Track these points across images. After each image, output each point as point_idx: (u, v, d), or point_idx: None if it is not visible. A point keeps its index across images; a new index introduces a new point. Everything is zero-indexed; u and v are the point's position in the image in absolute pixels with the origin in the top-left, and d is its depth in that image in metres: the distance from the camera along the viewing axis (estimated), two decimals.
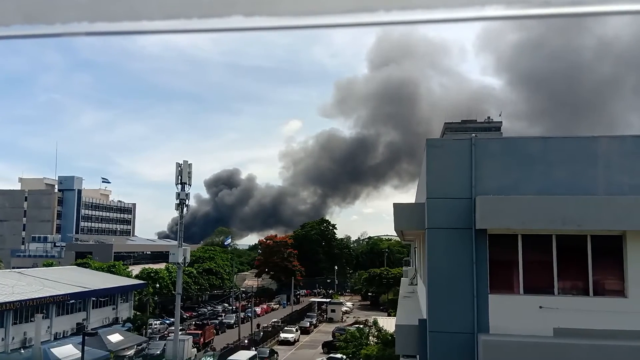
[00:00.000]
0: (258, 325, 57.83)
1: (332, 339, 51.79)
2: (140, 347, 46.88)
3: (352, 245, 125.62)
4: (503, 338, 11.28)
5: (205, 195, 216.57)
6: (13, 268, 66.75)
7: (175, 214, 38.37)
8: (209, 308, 78.26)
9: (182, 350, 42.76)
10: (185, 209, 37.16)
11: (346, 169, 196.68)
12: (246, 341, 50.55)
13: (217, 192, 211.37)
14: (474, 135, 12.63)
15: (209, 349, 47.94)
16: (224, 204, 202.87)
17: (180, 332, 42.70)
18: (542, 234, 11.68)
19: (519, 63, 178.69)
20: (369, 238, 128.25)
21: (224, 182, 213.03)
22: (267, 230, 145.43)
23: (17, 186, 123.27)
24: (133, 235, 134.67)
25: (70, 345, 38.37)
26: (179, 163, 36.32)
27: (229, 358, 41.30)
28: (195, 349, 48.36)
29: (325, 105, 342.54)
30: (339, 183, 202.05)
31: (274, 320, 64.38)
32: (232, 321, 64.21)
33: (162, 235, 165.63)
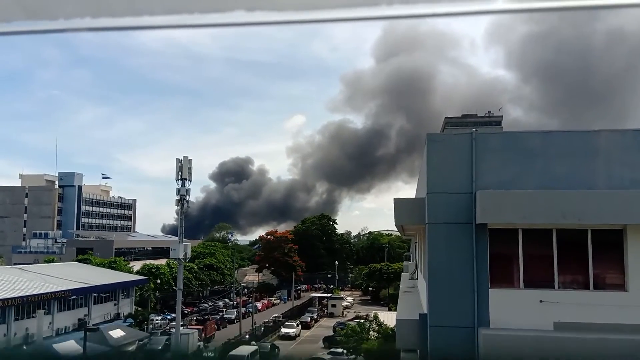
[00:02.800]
0: (254, 323, 57.54)
1: (332, 333, 51.88)
2: (141, 343, 47.00)
3: (352, 241, 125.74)
4: (503, 332, 11.31)
5: (214, 185, 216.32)
6: (14, 264, 66.88)
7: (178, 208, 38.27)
8: (210, 303, 78.43)
9: (187, 343, 43.67)
10: (185, 204, 37.16)
11: (356, 162, 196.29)
12: (247, 336, 50.66)
13: (226, 184, 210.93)
14: (474, 129, 12.61)
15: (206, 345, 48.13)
16: (233, 197, 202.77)
17: (182, 327, 42.86)
18: (543, 228, 11.68)
19: (531, 55, 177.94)
20: (370, 233, 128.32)
21: (233, 174, 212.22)
22: (281, 223, 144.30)
23: (18, 183, 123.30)
24: (134, 231, 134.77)
25: (72, 340, 38.44)
26: (179, 159, 36.26)
27: (230, 353, 41.40)
28: (201, 342, 48.77)
29: (333, 99, 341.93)
30: (349, 176, 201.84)
31: (274, 315, 64.50)
32: (233, 316, 64.34)
33: (168, 227, 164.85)
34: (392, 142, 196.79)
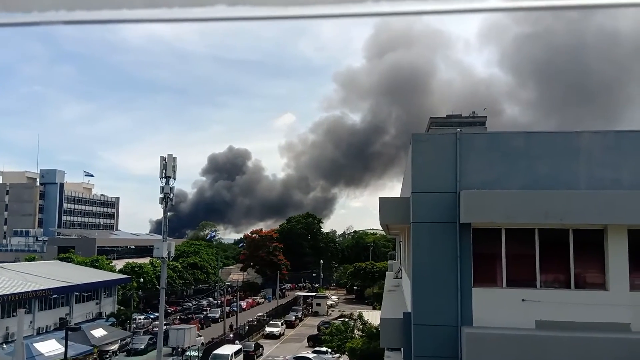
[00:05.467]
0: (231, 327, 55.99)
1: (317, 332, 51.96)
2: (124, 342, 46.60)
3: (337, 239, 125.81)
4: (486, 330, 11.40)
5: (206, 180, 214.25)
6: None
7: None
8: (193, 302, 77.99)
9: (184, 338, 45.83)
10: (170, 203, 36.81)
11: (351, 160, 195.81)
12: (231, 335, 50.48)
13: (217, 180, 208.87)
14: (458, 130, 12.68)
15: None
16: (226, 193, 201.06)
17: (165, 325, 42.53)
18: (525, 228, 11.80)
19: (526, 54, 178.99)
20: (355, 232, 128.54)
21: (227, 170, 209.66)
22: (277, 221, 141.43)
23: None
24: (117, 229, 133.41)
25: (53, 340, 38.00)
26: (163, 157, 35.88)
27: (214, 352, 41.22)
28: (202, 336, 48.96)
29: (328, 98, 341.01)
30: (344, 174, 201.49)
31: (259, 314, 64.35)
32: (217, 315, 64.05)
33: (156, 223, 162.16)
34: (387, 140, 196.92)
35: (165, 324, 43.78)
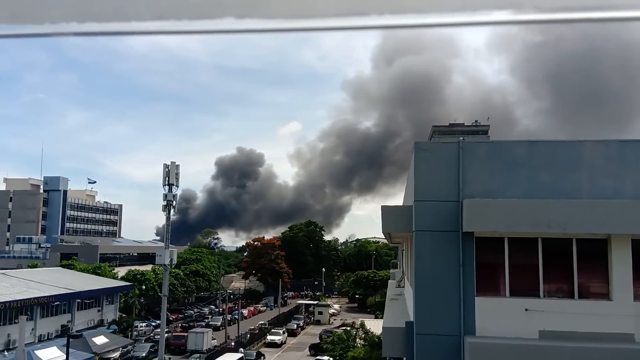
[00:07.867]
0: (228, 337, 55.77)
1: (319, 341, 51.71)
2: (125, 350, 46.48)
3: (339, 248, 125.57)
4: (489, 340, 11.34)
5: (216, 185, 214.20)
6: None
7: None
8: (195, 310, 77.80)
9: (202, 341, 47.77)
10: (172, 210, 36.83)
11: (361, 166, 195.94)
12: (233, 343, 50.29)
13: (226, 186, 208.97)
14: (461, 138, 12.68)
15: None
16: (236, 200, 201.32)
17: (166, 333, 42.48)
18: (528, 237, 11.76)
19: (537, 63, 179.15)
20: (357, 240, 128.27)
21: (238, 176, 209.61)
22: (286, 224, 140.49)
23: (2, 186, 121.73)
24: (119, 236, 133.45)
25: (55, 347, 37.89)
26: (166, 164, 35.99)
27: None
28: (215, 339, 49.24)
29: (337, 107, 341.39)
30: (355, 182, 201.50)
31: (260, 322, 64.12)
32: (219, 323, 63.86)
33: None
34: (394, 149, 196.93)
35: (166, 332, 43.70)
